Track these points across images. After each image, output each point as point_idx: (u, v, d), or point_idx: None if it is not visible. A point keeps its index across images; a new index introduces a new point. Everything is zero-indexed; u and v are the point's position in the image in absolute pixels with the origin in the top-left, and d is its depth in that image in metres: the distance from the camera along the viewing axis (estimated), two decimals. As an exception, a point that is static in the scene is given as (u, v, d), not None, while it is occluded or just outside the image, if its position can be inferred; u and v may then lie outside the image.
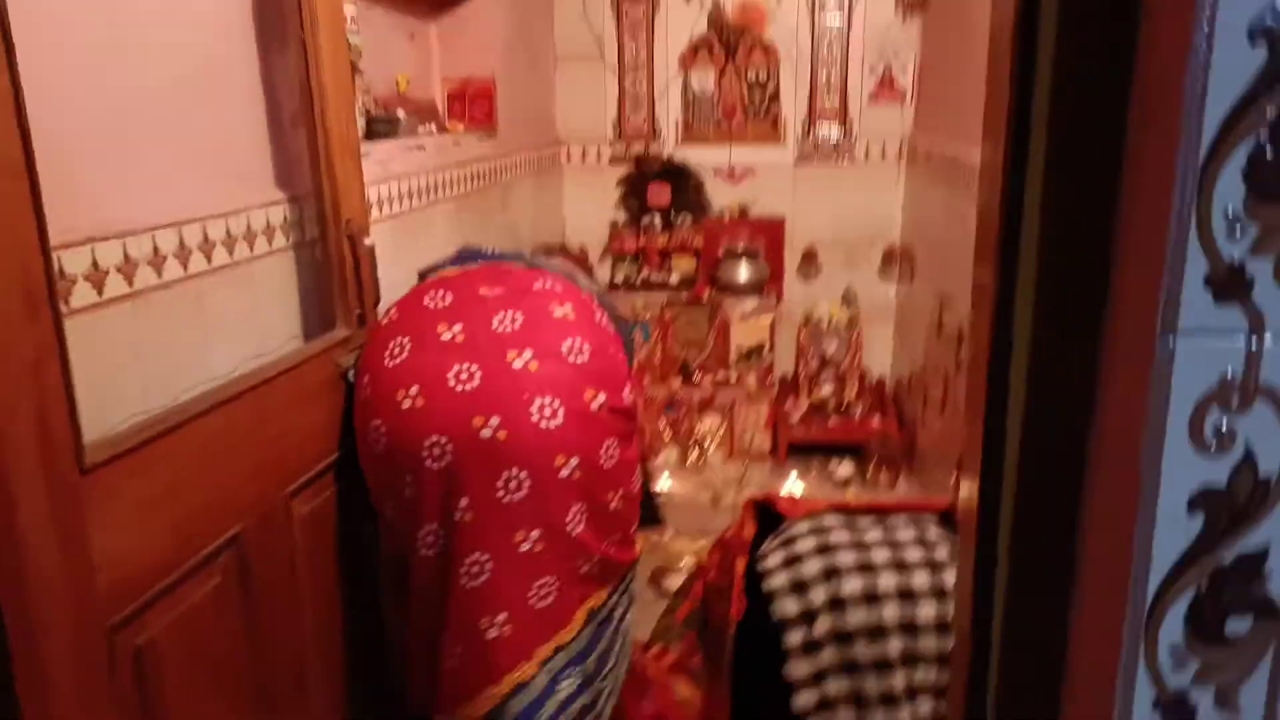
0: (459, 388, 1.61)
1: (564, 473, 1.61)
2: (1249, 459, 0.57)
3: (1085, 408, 0.61)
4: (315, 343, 1.75)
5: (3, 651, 1.01)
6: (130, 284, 1.39)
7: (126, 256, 1.38)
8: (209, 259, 1.58)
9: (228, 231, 1.63)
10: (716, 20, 3.97)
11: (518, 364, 1.64)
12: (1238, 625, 0.58)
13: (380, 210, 2.25)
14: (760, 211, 4.08)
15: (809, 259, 4.09)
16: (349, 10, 2.16)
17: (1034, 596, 0.66)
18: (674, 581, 2.73)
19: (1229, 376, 0.56)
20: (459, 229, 2.87)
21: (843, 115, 4.00)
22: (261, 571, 1.49)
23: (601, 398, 1.67)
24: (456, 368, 1.63)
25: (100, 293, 1.33)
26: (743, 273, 3.91)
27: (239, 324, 1.67)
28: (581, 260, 4.14)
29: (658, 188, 4.03)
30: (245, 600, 1.44)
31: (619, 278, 4.09)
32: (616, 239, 4.11)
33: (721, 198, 4.10)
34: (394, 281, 2.28)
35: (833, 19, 3.91)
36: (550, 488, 1.60)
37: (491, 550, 1.60)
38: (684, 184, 4.06)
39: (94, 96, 1.34)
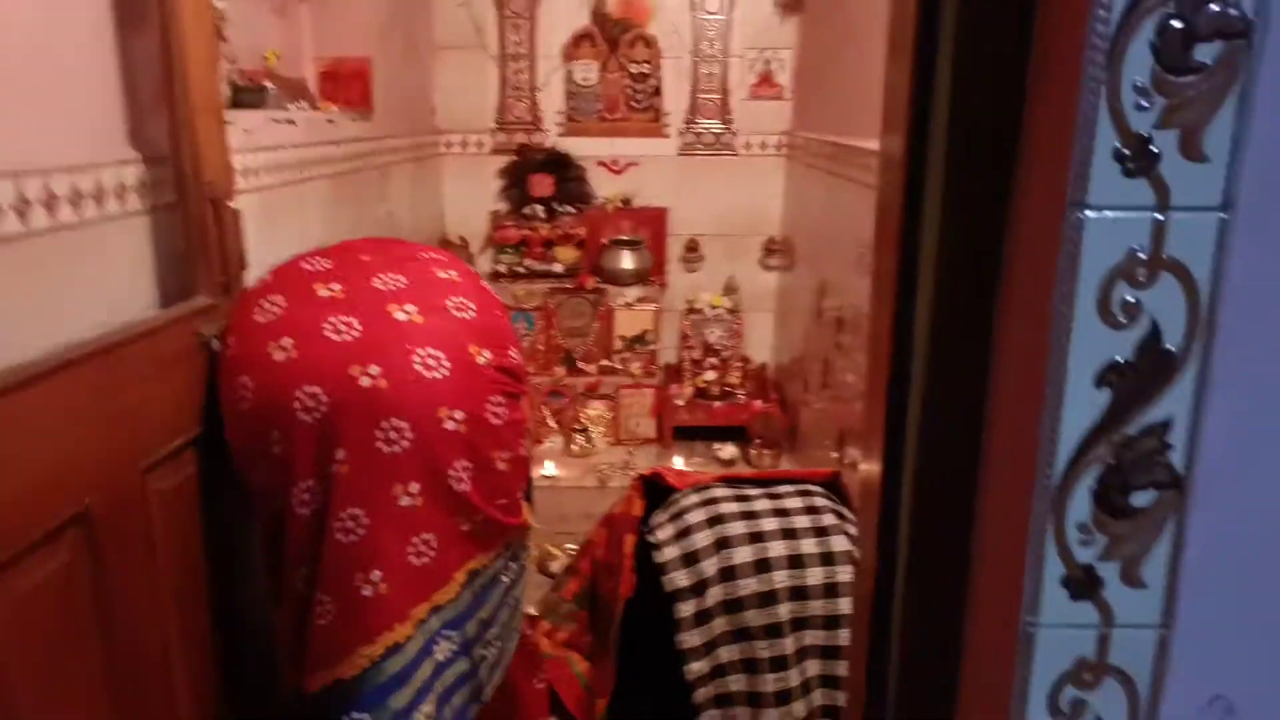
0: (336, 338, 1.54)
1: (448, 425, 1.54)
2: (1154, 332, 0.57)
3: (992, 285, 0.60)
4: (174, 309, 1.62)
5: None
6: (-41, 234, 1.25)
7: (-45, 203, 1.24)
8: (52, 215, 1.44)
9: (74, 189, 1.50)
10: (599, 13, 3.96)
11: (400, 316, 1.58)
12: (1142, 498, 0.59)
13: (246, 181, 2.12)
14: (643, 202, 4.08)
15: (692, 249, 4.12)
16: (211, -31, 2.03)
17: (941, 492, 0.65)
18: (558, 565, 2.68)
19: (1136, 251, 0.56)
20: (334, 212, 2.75)
21: (724, 110, 4.05)
22: (114, 551, 1.36)
23: (487, 354, 1.62)
24: (334, 319, 1.55)
25: (-77, 241, 1.19)
26: (626, 262, 3.90)
27: (88, 290, 1.53)
28: (464, 252, 4.05)
29: (540, 178, 3.98)
30: (96, 581, 1.32)
31: (501, 267, 4.02)
32: (499, 229, 4.03)
33: (605, 188, 4.08)
34: (263, 259, 2.16)
35: (713, 15, 3.95)
36: (433, 440, 1.54)
37: (369, 504, 1.52)
38: (567, 174, 4.02)
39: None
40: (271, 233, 2.27)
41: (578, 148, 4.03)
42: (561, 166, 4.00)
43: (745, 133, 4.05)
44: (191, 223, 1.66)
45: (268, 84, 2.43)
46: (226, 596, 1.68)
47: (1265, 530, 0.60)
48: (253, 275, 1.90)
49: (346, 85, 3.11)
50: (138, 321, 1.53)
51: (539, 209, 4.00)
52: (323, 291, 1.61)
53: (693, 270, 4.14)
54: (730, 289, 4.12)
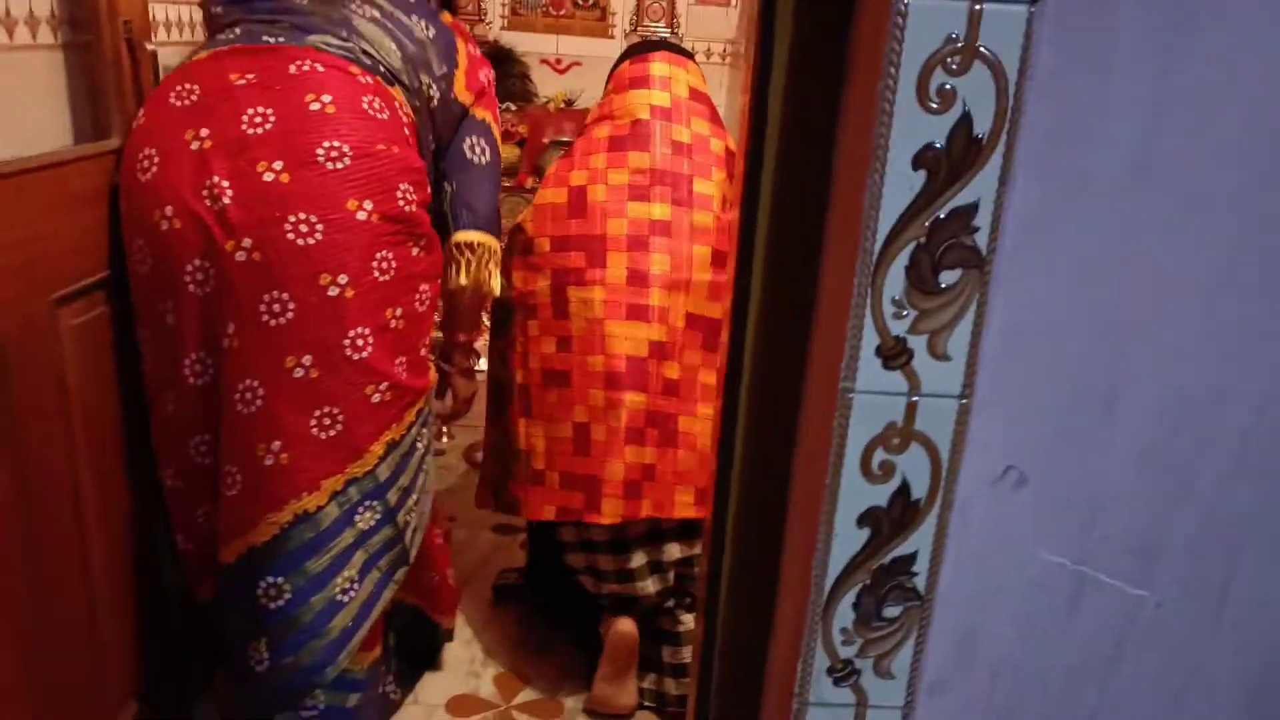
0: (212, 205, 1.50)
1: (331, 291, 1.52)
2: (966, 118, 0.63)
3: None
4: (84, 146, 1.61)
5: None
6: None
7: None
8: (-42, 36, 1.41)
9: (-17, 12, 1.47)
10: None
11: (269, 177, 1.50)
12: (949, 276, 0.65)
13: (169, 34, 2.08)
14: (586, 103, 4.06)
15: (631, 153, 4.12)
16: None
17: (786, 268, 0.71)
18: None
19: (952, 36, 0.61)
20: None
21: (671, 13, 4.02)
22: (23, 379, 1.38)
23: (369, 205, 1.55)
24: (208, 183, 1.50)
25: None
26: (565, 162, 3.89)
27: (-2, 118, 1.51)
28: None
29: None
30: (4, 406, 1.34)
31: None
32: (437, 122, 3.98)
33: (548, 87, 4.05)
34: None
35: (664, -88, 3.89)
36: (318, 309, 1.52)
37: (262, 377, 1.53)
38: (509, 70, 3.96)
39: None
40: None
41: (521, 43, 3.98)
42: (504, 61, 3.94)
43: (691, 38, 4.03)
44: (105, 61, 1.64)
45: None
46: (141, 449, 1.71)
47: (1058, 311, 0.67)
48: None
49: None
50: (48, 152, 1.52)
51: (511, 106, 3.95)
52: (194, 143, 1.53)
53: (632, 175, 4.15)
54: (668, 196, 4.14)
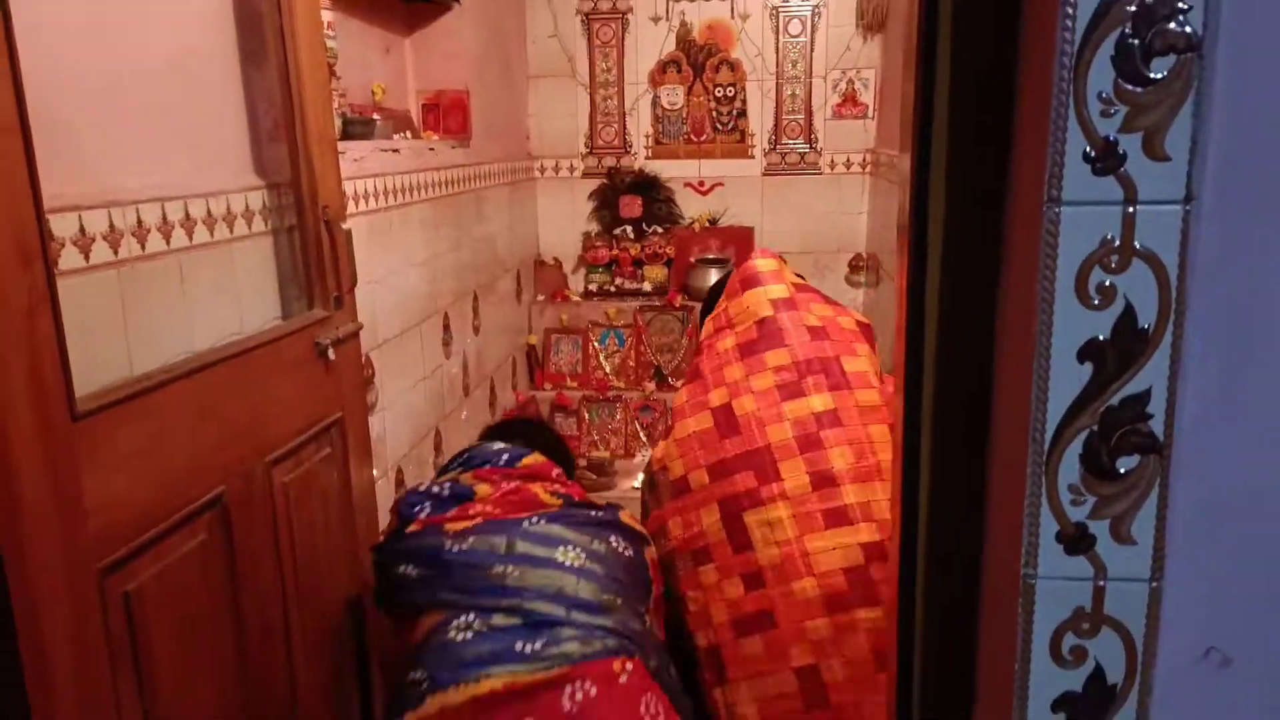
0: None
1: None
2: (1129, 312, 0.65)
3: (993, 274, 0.68)
4: (294, 319, 1.80)
5: (3, 590, 1.05)
6: (115, 252, 1.45)
7: (112, 225, 1.44)
8: (190, 236, 1.64)
9: (208, 211, 1.70)
10: (684, 39, 4.10)
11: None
12: (1128, 462, 0.66)
13: (356, 206, 2.32)
14: (730, 221, 4.19)
15: (777, 266, 4.19)
16: (326, 16, 2.24)
17: (954, 462, 0.73)
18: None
19: (1108, 238, 0.64)
20: (435, 234, 2.95)
21: (808, 130, 4.13)
22: (243, 533, 1.53)
23: None
24: None
25: (87, 258, 1.38)
26: (713, 280, 4.00)
27: (219, 303, 1.73)
28: (556, 272, 4.23)
29: (629, 199, 4.13)
30: (228, 558, 1.49)
31: (593, 286, 4.17)
32: (590, 249, 4.19)
33: (691, 208, 4.21)
34: (372, 275, 2.36)
35: (796, 38, 4.04)
36: None
37: None
38: (655, 195, 4.16)
39: (84, 71, 1.41)
40: (378, 250, 2.47)
41: (665, 169, 4.17)
42: (650, 188, 4.15)
43: (830, 151, 4.12)
44: (309, 242, 1.84)
45: (375, 116, 2.64)
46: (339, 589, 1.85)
47: (1244, 487, 0.66)
48: (361, 291, 2.08)
49: (446, 115, 3.33)
50: (262, 330, 1.71)
51: (628, 229, 4.14)
52: None
53: (779, 286, 4.21)
54: (816, 304, 4.17)
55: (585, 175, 4.24)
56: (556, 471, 1.93)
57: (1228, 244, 0.63)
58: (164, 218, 1.57)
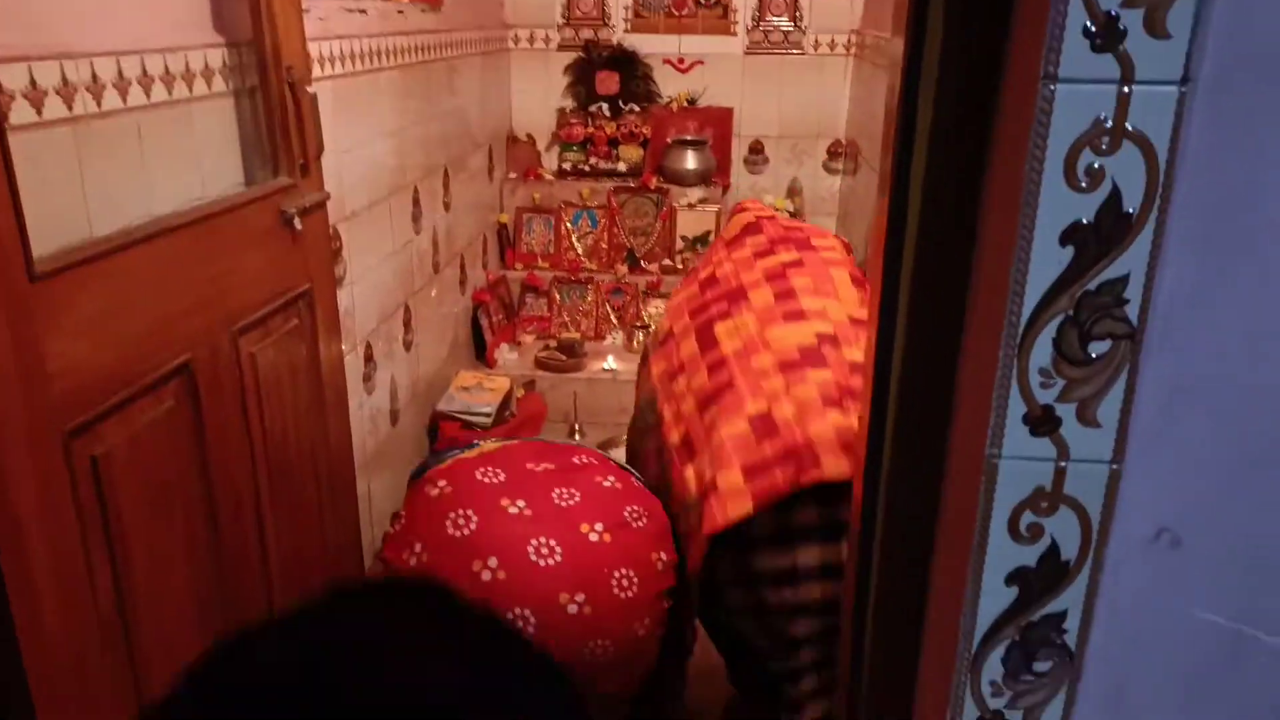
0: (541, 562, 1.61)
1: (640, 632, 1.67)
2: (1115, 195, 0.64)
3: (979, 155, 0.67)
4: (257, 188, 1.75)
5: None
6: (69, 108, 1.38)
7: (65, 79, 1.37)
8: (148, 94, 1.56)
9: (166, 68, 1.62)
10: (668, -97, 3.90)
11: (593, 538, 1.66)
12: (1099, 347, 0.66)
13: (322, 69, 2.23)
14: (709, 102, 4.08)
15: (756, 150, 4.12)
16: None
17: (928, 340, 0.74)
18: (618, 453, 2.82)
19: (1101, 118, 0.62)
20: (404, 103, 2.85)
21: (792, 6, 3.98)
22: (211, 404, 1.53)
23: (664, 557, 1.73)
24: (535, 542, 1.63)
25: (39, 113, 1.32)
26: (690, 162, 3.93)
27: (180, 166, 1.67)
28: (530, 149, 4.13)
29: (606, 75, 4.00)
30: (196, 426, 1.48)
31: (566, 165, 4.08)
32: (564, 126, 4.08)
33: (670, 87, 4.09)
34: (340, 144, 2.28)
35: (785, -95, 3.86)
36: (628, 650, 1.66)
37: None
38: (632, 72, 4.03)
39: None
40: (345, 119, 2.38)
41: (644, 45, 4.03)
42: (627, 64, 4.01)
43: (814, 30, 3.99)
44: (273, 105, 1.77)
45: (342, -26, 2.50)
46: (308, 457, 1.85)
47: (1209, 378, 0.67)
48: (328, 161, 2.01)
49: (417, -23, 3.16)
50: (227, 197, 1.66)
51: (604, 107, 4.03)
52: (511, 509, 1.68)
53: (756, 172, 4.15)
54: (793, 192, 4.13)
55: (561, 48, 4.09)
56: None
57: (1221, 130, 0.62)
58: (119, 73, 1.49)
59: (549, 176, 4.07)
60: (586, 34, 4.04)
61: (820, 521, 1.60)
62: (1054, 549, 0.71)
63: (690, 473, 1.76)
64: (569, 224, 4.00)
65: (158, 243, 1.40)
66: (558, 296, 3.96)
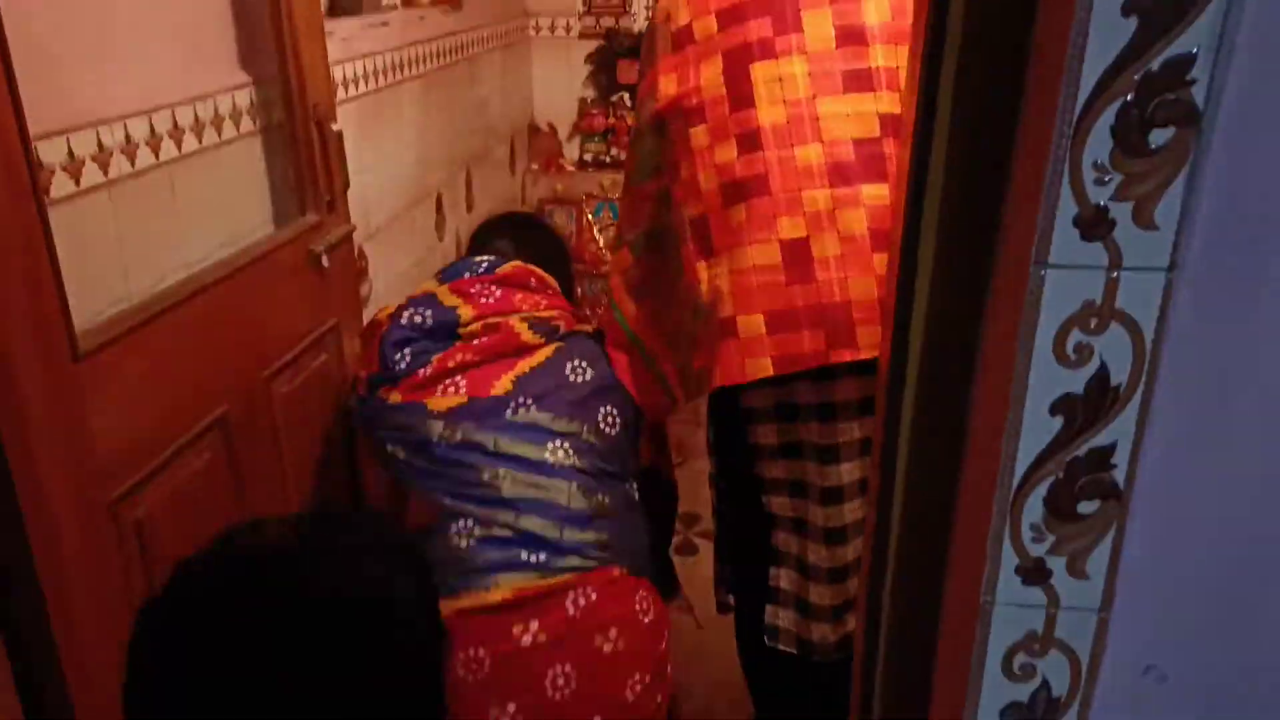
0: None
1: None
2: (1103, 370, 0.67)
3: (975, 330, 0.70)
4: (286, 229, 1.79)
5: (21, 530, 1.10)
6: (105, 173, 1.42)
7: (100, 145, 1.41)
8: (179, 146, 1.60)
9: (196, 117, 1.65)
10: (690, -114, 3.84)
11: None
12: (1087, 506, 0.70)
13: (346, 91, 2.25)
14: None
15: (777, 140, 4.10)
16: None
17: (926, 500, 0.77)
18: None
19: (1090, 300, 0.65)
20: (427, 109, 2.87)
21: None
22: (246, 450, 1.59)
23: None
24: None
25: (78, 182, 1.36)
26: (711, 154, 3.91)
27: (212, 210, 1.71)
28: (551, 139, 4.13)
29: (628, 65, 3.98)
30: (233, 475, 1.55)
31: (588, 155, 4.09)
32: (585, 116, 4.08)
33: (692, 75, 4.06)
34: (364, 163, 2.32)
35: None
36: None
37: None
38: (654, 60, 4.01)
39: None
40: (369, 138, 2.42)
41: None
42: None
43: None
44: (299, 145, 1.81)
45: (363, -13, 2.51)
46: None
47: (1189, 536, 0.71)
48: (353, 182, 2.04)
49: (439, -24, 3.16)
50: (258, 242, 1.71)
51: (626, 96, 4.01)
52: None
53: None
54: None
55: (582, 36, 4.07)
56: (536, 279, 1.93)
57: (1205, 311, 0.64)
58: (151, 130, 1.53)
59: (570, 167, 4.08)
60: (608, 22, 4.02)
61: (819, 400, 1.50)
62: (1045, 686, 0.75)
63: (704, 271, 1.53)
64: (590, 216, 4.02)
65: (194, 302, 1.45)
66: (579, 289, 3.99)
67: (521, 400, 1.69)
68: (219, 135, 1.73)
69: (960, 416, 0.73)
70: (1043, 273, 0.65)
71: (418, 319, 1.79)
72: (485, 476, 1.65)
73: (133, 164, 1.49)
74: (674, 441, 2.52)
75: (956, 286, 0.69)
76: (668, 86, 1.55)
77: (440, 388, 1.71)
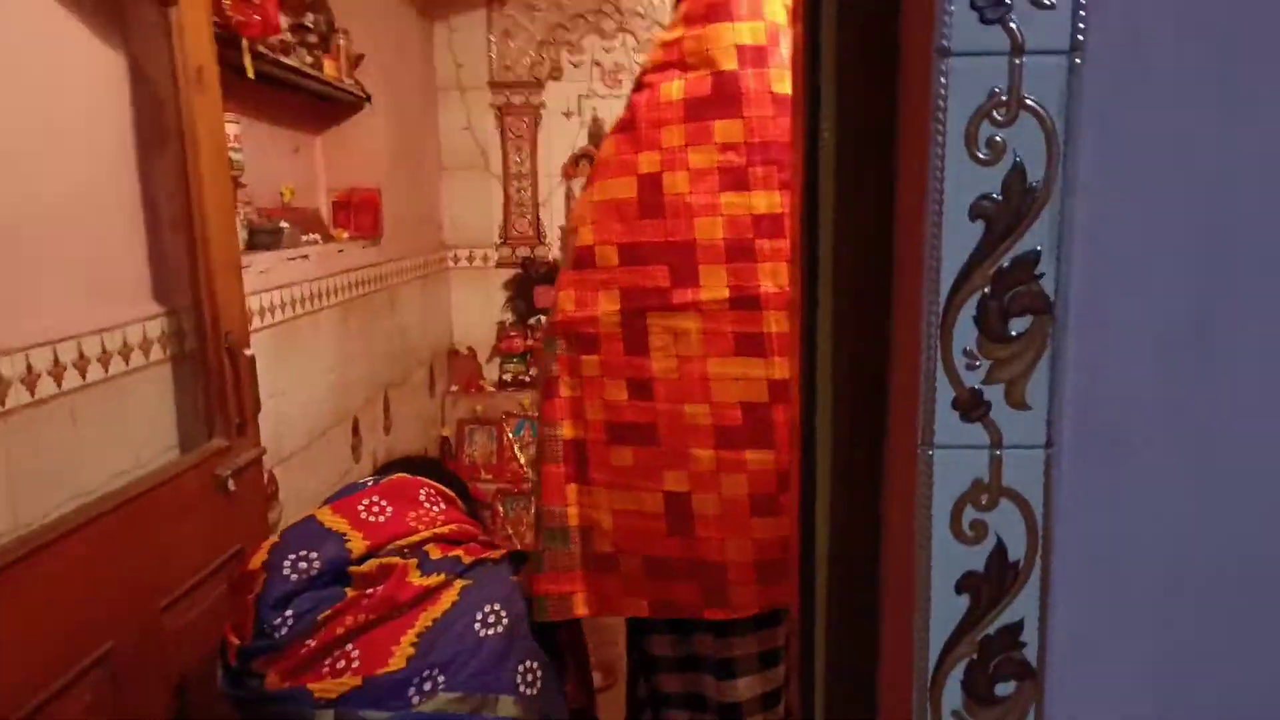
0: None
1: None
2: (1000, 546, 0.68)
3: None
4: (192, 454, 1.75)
5: None
6: (2, 403, 1.39)
7: (0, 376, 1.39)
8: (84, 375, 1.59)
9: (103, 347, 1.65)
10: (596, 134, 4.18)
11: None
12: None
13: (262, 319, 2.29)
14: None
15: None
16: (232, 129, 2.23)
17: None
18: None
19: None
20: (345, 336, 2.91)
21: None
22: (134, 689, 1.47)
23: None
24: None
25: (-30, 412, 1.33)
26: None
27: (114, 439, 1.67)
28: (471, 361, 4.21)
29: (544, 290, 4.15)
30: (116, 717, 1.42)
31: (507, 375, 4.16)
32: (504, 339, 4.19)
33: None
34: (275, 387, 2.31)
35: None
36: None
37: None
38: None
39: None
40: (285, 362, 2.43)
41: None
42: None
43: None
44: (211, 372, 1.81)
45: (283, 223, 2.61)
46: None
47: (1103, 711, 0.70)
48: (266, 407, 2.03)
49: (358, 212, 3.31)
50: (160, 469, 1.66)
51: (543, 319, 4.16)
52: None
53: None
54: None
55: (500, 265, 4.25)
56: (428, 490, 1.76)
57: (1084, 485, 0.67)
58: (55, 360, 1.52)
59: (490, 388, 4.14)
60: (523, 251, 4.23)
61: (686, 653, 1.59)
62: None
63: (574, 494, 1.55)
64: (511, 434, 4.03)
65: (84, 532, 1.39)
66: (501, 510, 3.94)
67: (426, 674, 1.45)
68: (126, 364, 1.72)
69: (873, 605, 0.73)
70: (930, 453, 0.68)
71: (302, 565, 1.51)
72: None
73: (32, 394, 1.46)
74: (605, 664, 2.42)
75: (856, 472, 0.72)
76: (566, 303, 1.58)
77: (328, 664, 1.45)
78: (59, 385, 1.52)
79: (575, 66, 4.14)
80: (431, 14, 4.04)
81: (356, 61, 3.22)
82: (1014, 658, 0.69)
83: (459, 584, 1.57)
